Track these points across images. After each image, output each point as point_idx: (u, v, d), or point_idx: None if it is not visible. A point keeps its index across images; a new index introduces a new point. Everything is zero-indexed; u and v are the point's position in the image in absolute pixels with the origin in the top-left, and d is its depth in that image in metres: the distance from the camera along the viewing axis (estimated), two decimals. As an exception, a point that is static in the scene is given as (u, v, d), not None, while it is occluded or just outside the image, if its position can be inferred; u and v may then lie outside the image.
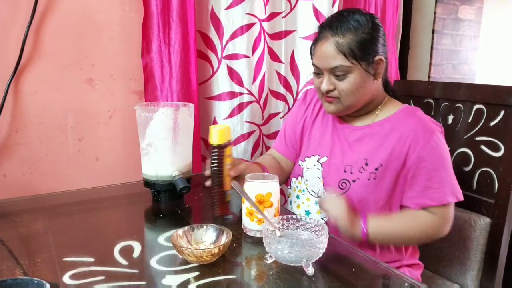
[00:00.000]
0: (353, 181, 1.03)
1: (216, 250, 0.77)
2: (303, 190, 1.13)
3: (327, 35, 1.01)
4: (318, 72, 1.04)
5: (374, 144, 1.04)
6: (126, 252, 0.86)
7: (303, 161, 1.14)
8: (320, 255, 0.74)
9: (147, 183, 1.12)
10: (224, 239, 0.81)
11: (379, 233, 0.98)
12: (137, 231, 1.00)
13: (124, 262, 0.82)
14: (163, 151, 1.08)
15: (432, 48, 1.94)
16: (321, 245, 0.73)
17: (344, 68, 0.99)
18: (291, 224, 0.84)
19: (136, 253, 0.86)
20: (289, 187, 1.21)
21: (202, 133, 1.46)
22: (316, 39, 1.05)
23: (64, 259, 0.82)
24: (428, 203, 1.01)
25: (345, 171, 1.05)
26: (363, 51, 0.99)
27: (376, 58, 1.01)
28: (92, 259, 0.83)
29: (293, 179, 1.18)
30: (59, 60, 1.28)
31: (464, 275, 1.27)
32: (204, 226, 0.85)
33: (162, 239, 0.93)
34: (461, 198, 1.03)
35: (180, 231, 0.83)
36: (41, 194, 1.21)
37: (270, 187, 0.88)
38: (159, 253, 0.85)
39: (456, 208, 1.30)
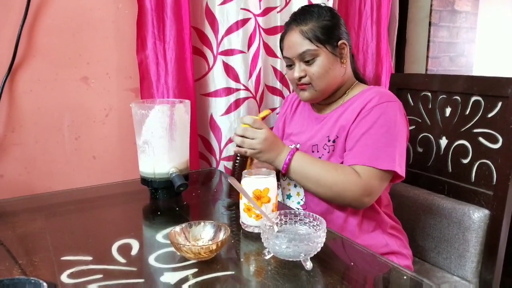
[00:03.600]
0: (320, 157, 1.10)
1: (214, 247, 0.76)
2: (283, 177, 1.19)
3: (292, 27, 1.10)
4: (290, 64, 1.12)
5: (333, 121, 1.10)
6: (124, 250, 0.86)
7: None
8: (319, 249, 0.74)
9: (144, 181, 1.12)
10: (222, 235, 0.81)
11: (299, 165, 1.03)
12: (135, 229, 0.99)
13: (122, 260, 0.82)
14: (160, 148, 1.07)
15: (429, 40, 1.93)
16: (319, 239, 0.73)
17: (312, 52, 1.06)
18: (289, 219, 0.83)
19: (134, 251, 0.86)
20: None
21: (199, 129, 1.46)
22: (283, 34, 1.14)
23: (62, 258, 0.82)
24: (350, 161, 1.02)
25: (312, 151, 1.13)
26: (327, 35, 1.07)
27: (340, 42, 1.09)
28: (90, 258, 0.82)
29: None
30: (53, 58, 1.27)
31: (463, 267, 1.27)
32: (202, 223, 0.85)
33: (160, 236, 0.92)
34: (382, 166, 0.99)
35: (177, 228, 0.82)
36: (38, 193, 1.21)
37: (267, 182, 0.88)
38: (157, 251, 0.85)
39: (455, 200, 1.31)
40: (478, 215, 1.24)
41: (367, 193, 0.99)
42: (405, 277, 0.76)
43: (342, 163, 1.06)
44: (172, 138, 1.08)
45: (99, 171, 1.38)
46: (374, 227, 1.10)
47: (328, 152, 1.09)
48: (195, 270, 0.78)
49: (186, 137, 1.13)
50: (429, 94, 1.47)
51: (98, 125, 1.37)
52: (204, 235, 0.84)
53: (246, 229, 0.91)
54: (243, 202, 0.89)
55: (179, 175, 1.08)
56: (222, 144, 1.48)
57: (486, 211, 1.24)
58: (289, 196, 1.18)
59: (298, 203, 1.16)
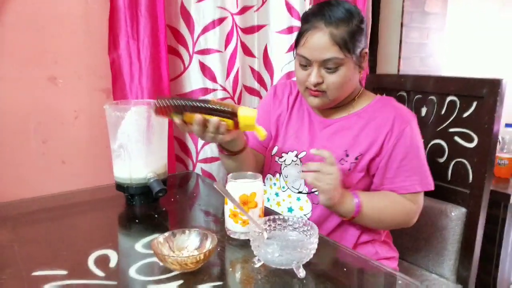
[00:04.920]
0: None
1: (202, 257, 0.73)
2: (283, 187, 1.10)
3: (320, 25, 0.96)
4: (306, 64, 1.00)
5: (353, 135, 1.05)
6: (102, 262, 0.80)
7: (280, 157, 1.11)
8: (311, 256, 0.72)
9: (120, 187, 1.06)
10: (209, 244, 0.77)
11: (370, 208, 0.98)
12: (112, 238, 0.93)
13: (100, 273, 0.77)
14: (137, 152, 1.02)
15: (401, 41, 1.96)
16: (312, 246, 0.71)
17: (337, 61, 0.96)
18: (278, 224, 0.81)
19: (112, 263, 0.81)
20: (263, 183, 1.18)
21: (175, 131, 1.40)
22: (306, 29, 0.98)
23: (33, 274, 0.76)
24: (397, 191, 1.03)
25: None
26: (354, 43, 0.97)
27: (364, 50, 1.02)
28: (64, 272, 0.77)
29: (269, 176, 1.15)
30: (17, 56, 1.19)
31: (441, 265, 1.29)
32: (187, 231, 0.81)
33: (139, 246, 0.88)
34: (431, 188, 1.05)
35: (161, 237, 0.78)
36: (4, 202, 1.12)
37: (254, 186, 0.85)
38: (138, 262, 0.80)
39: (432, 198, 1.32)
40: (455, 214, 1.26)
41: (416, 216, 1.05)
42: (400, 282, 0.75)
43: (364, 176, 1.04)
44: (150, 141, 1.03)
45: (69, 176, 1.30)
46: (373, 237, 1.09)
47: (349, 170, 1.02)
48: (180, 282, 0.74)
49: (164, 140, 1.08)
50: (404, 94, 1.48)
51: (67, 127, 1.29)
52: (188, 244, 0.80)
53: (231, 235, 0.88)
54: (228, 208, 0.86)
55: (157, 180, 1.03)
56: (199, 146, 1.43)
57: (463, 209, 1.26)
58: (290, 210, 1.10)
59: (301, 217, 1.09)
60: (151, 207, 1.08)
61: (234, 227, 0.86)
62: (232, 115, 0.88)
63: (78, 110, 1.30)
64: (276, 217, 0.81)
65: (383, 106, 1.06)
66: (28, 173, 1.24)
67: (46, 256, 0.83)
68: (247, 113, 0.89)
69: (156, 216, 1.04)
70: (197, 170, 1.45)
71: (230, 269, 0.78)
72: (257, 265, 0.76)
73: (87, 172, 1.32)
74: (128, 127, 0.99)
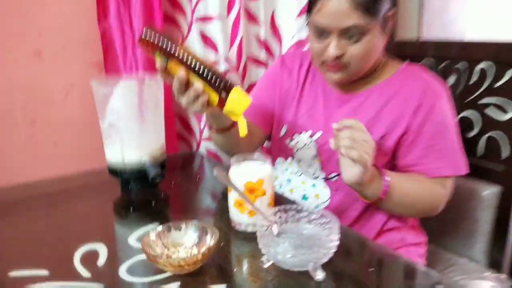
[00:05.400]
0: None
1: (200, 257, 0.62)
2: (297, 172, 0.98)
3: None
4: (322, 34, 0.84)
5: (375, 111, 0.91)
6: (89, 259, 0.70)
7: (291, 140, 0.98)
8: (331, 255, 0.60)
9: (113, 171, 0.95)
10: (209, 240, 0.66)
11: (398, 188, 0.84)
12: (102, 230, 0.83)
13: (86, 273, 0.67)
14: (128, 133, 0.90)
15: (421, 5, 1.79)
16: (332, 243, 0.59)
17: (360, 29, 0.80)
18: (291, 216, 0.69)
19: (101, 260, 0.71)
20: (274, 167, 1.06)
21: (176, 107, 1.28)
22: None
23: (11, 275, 0.66)
24: (430, 172, 0.90)
25: None
26: (380, 6, 0.81)
27: (391, 12, 0.85)
28: (46, 272, 0.67)
29: (279, 160, 1.03)
30: (-4, 28, 1.07)
31: (471, 248, 1.18)
32: (183, 225, 0.70)
33: (133, 239, 0.77)
34: (463, 172, 0.92)
35: (152, 234, 0.67)
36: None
37: (262, 171, 0.73)
38: (130, 258, 0.70)
39: (461, 177, 1.19)
40: (487, 192, 1.13)
41: (444, 203, 0.92)
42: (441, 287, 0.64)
43: (389, 162, 0.91)
44: (143, 119, 0.91)
45: (61, 159, 1.20)
46: (399, 223, 0.98)
47: None
48: (177, 283, 0.63)
49: (159, 118, 0.96)
50: (428, 62, 1.33)
51: (57, 106, 1.18)
52: (186, 240, 0.69)
53: (237, 228, 0.77)
54: (232, 196, 0.74)
55: (154, 164, 0.91)
56: (203, 124, 1.31)
57: (496, 188, 1.13)
58: (304, 197, 0.98)
59: (317, 206, 0.95)
60: (148, 193, 0.97)
61: (239, 218, 0.75)
62: (222, 90, 0.73)
63: (68, 86, 1.18)
64: (288, 207, 0.69)
65: (410, 76, 0.92)
66: (17, 156, 1.14)
67: (26, 254, 0.73)
68: (239, 98, 0.73)
69: (153, 203, 0.93)
70: (202, 150, 1.34)
71: (235, 268, 0.67)
72: (266, 265, 0.65)
73: (80, 154, 1.22)
74: (117, 104, 0.87)
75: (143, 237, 0.67)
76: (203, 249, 0.63)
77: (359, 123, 0.78)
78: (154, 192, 0.98)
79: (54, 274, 0.67)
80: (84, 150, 1.22)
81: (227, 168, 0.76)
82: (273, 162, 1.05)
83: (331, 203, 0.94)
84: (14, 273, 0.67)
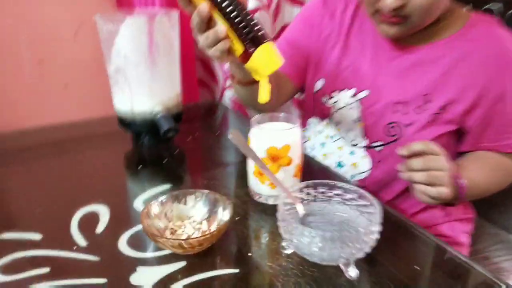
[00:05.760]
0: (407, 125, 0.74)
1: (205, 240, 0.51)
2: (334, 136, 0.84)
3: None
4: None
5: (438, 73, 0.73)
6: (88, 224, 0.62)
7: (330, 98, 0.83)
8: (368, 250, 0.48)
9: (122, 122, 0.85)
10: (221, 216, 0.55)
11: (474, 190, 0.70)
12: (106, 190, 0.73)
13: (82, 241, 0.59)
14: (137, 78, 0.78)
15: None
16: (372, 236, 0.47)
17: None
18: (321, 193, 0.56)
19: (100, 227, 0.62)
20: (305, 128, 0.92)
21: (198, 49, 1.14)
22: None
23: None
24: (499, 150, 0.74)
25: (395, 111, 0.75)
26: None
27: None
28: (38, 237, 0.59)
29: (313, 120, 0.89)
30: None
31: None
32: (193, 196, 0.59)
33: (139, 202, 0.68)
34: None
35: (155, 204, 0.56)
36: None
37: (289, 136, 0.60)
38: (132, 227, 0.61)
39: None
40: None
41: None
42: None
43: (448, 135, 0.76)
44: (154, 63, 0.78)
45: (72, 103, 1.10)
46: None
47: (429, 122, 0.73)
48: (182, 264, 0.54)
49: (174, 61, 0.83)
50: (493, 8, 1.11)
51: (66, 44, 1.07)
52: (195, 214, 0.58)
53: (256, 199, 0.65)
54: (252, 163, 0.62)
55: (166, 115, 0.80)
56: (227, 67, 1.17)
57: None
58: (340, 165, 0.84)
59: (353, 177, 0.82)
60: (162, 147, 0.86)
61: (260, 188, 0.63)
62: (249, 42, 0.57)
63: (78, 22, 1.05)
64: (319, 182, 0.56)
65: (485, 33, 0.72)
66: (23, 99, 1.05)
67: (18, 213, 0.65)
68: (268, 57, 0.57)
69: (166, 159, 0.83)
70: (225, 99, 1.21)
71: (250, 253, 0.56)
72: (288, 251, 0.53)
73: (93, 98, 1.12)
74: (124, 45, 0.75)
75: (141, 211, 0.57)
76: (213, 227, 0.52)
77: (431, 144, 0.61)
78: (168, 147, 0.87)
79: (47, 239, 0.59)
80: (97, 94, 1.11)
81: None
82: (305, 121, 0.91)
83: (371, 175, 0.80)
84: (4, 235, 0.59)
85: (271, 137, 0.59)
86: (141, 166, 0.81)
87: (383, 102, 0.76)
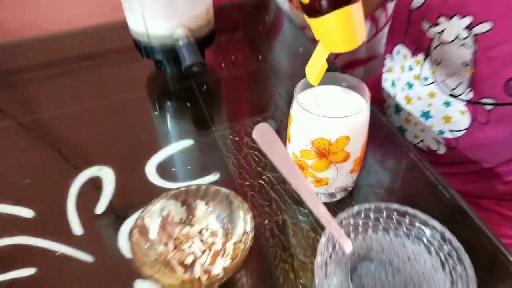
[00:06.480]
0: None
1: (219, 273, 0.37)
2: (427, 78, 0.60)
3: None
4: None
5: None
6: (88, 198, 0.51)
7: (434, 24, 0.56)
8: None
9: (137, 45, 0.66)
10: (241, 234, 0.40)
11: None
12: (115, 146, 0.59)
13: (78, 228, 0.48)
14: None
15: None
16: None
17: None
18: (388, 218, 0.38)
19: (101, 204, 0.50)
20: (388, 55, 0.67)
21: None
22: None
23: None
24: None
25: None
26: None
27: None
28: (30, 213, 0.49)
29: (403, 49, 0.64)
30: None
31: None
32: (203, 201, 0.43)
33: (151, 167, 0.54)
34: None
35: (148, 218, 0.42)
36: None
37: (349, 125, 0.39)
38: (138, 208, 0.49)
39: None
40: None
41: None
42: None
43: None
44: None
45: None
46: None
47: None
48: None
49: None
50: None
51: None
52: (210, 223, 0.43)
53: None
54: (293, 147, 0.43)
55: (190, 44, 0.60)
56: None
57: None
58: (426, 115, 0.63)
59: (441, 133, 0.62)
60: (188, 83, 0.68)
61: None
62: None
63: None
64: (383, 206, 0.37)
65: None
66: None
67: (9, 177, 0.54)
68: (346, 27, 0.36)
69: (192, 99, 0.65)
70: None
71: (288, 275, 0.41)
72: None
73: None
74: None
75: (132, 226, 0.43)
76: (230, 244, 0.38)
77: None
78: (196, 80, 0.69)
79: (37, 219, 0.49)
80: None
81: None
82: (390, 46, 0.66)
83: (469, 135, 0.59)
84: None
85: (321, 126, 0.39)
86: (161, 105, 0.64)
87: (511, 45, 0.49)
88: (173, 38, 0.61)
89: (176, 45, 0.61)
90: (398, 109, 0.68)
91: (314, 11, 0.35)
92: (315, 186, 0.44)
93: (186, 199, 0.42)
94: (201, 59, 0.59)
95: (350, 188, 0.47)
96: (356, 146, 0.41)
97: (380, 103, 0.74)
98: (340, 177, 0.43)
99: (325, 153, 0.40)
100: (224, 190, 0.42)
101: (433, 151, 0.65)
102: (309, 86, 0.43)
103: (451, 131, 0.60)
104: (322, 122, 0.39)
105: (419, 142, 0.66)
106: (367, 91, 0.41)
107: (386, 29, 0.96)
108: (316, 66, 0.39)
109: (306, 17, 0.37)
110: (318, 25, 0.36)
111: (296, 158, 0.43)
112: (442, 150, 0.63)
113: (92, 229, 0.47)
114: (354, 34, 0.36)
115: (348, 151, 0.40)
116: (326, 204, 0.37)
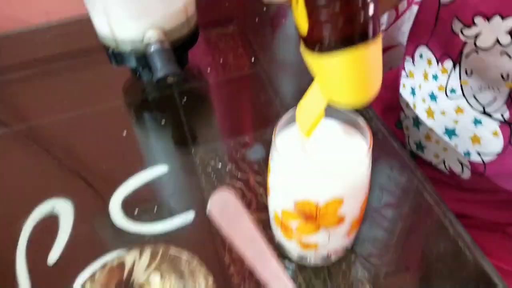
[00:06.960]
0: None
1: None
2: (455, 90, 0.49)
3: None
4: None
5: None
6: (40, 248, 0.42)
7: (468, 24, 0.44)
8: None
9: (106, 48, 0.56)
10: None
11: None
12: (74, 170, 0.51)
13: (25, 282, 0.40)
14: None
15: None
16: None
17: None
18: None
19: (54, 253, 0.42)
20: (408, 57, 0.56)
21: None
22: None
23: None
24: None
25: None
26: None
27: None
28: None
29: (427, 53, 0.52)
30: None
31: None
32: (159, 271, 0.34)
33: (116, 204, 0.46)
34: None
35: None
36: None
37: (345, 181, 0.29)
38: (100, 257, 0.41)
39: None
40: None
41: None
42: None
43: None
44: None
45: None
46: None
47: None
48: None
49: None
50: None
51: None
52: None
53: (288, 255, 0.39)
54: (273, 208, 0.34)
55: (164, 49, 0.49)
56: None
57: None
58: (450, 133, 0.52)
59: (468, 154, 0.51)
60: (170, 86, 0.59)
61: (285, 243, 0.36)
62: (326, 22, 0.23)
63: None
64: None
65: None
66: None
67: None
68: (356, 73, 0.24)
69: (171, 112, 0.56)
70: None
71: None
72: None
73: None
74: None
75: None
76: None
77: None
78: (179, 86, 0.59)
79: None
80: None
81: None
82: (412, 48, 0.55)
83: (499, 162, 0.48)
84: None
85: (306, 185, 0.29)
86: (125, 131, 0.55)
87: None
88: (143, 42, 0.51)
89: (147, 52, 0.51)
90: (417, 122, 0.57)
91: (313, 43, 0.24)
92: (302, 248, 0.35)
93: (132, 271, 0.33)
94: (176, 69, 0.49)
95: (349, 248, 0.37)
96: (353, 208, 0.31)
97: (395, 109, 0.62)
98: (333, 241, 0.33)
99: (312, 216, 0.30)
100: (184, 257, 0.33)
101: (456, 174, 0.54)
102: (294, 119, 0.32)
103: (479, 154, 0.49)
104: (307, 180, 0.29)
105: (439, 163, 0.56)
106: (369, 135, 0.30)
107: (407, 14, 0.83)
108: (310, 113, 0.28)
109: (302, 47, 0.26)
110: (318, 64, 0.25)
111: (277, 218, 0.33)
112: (466, 175, 0.53)
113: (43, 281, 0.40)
114: (366, 84, 0.25)
115: (342, 215, 0.30)
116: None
